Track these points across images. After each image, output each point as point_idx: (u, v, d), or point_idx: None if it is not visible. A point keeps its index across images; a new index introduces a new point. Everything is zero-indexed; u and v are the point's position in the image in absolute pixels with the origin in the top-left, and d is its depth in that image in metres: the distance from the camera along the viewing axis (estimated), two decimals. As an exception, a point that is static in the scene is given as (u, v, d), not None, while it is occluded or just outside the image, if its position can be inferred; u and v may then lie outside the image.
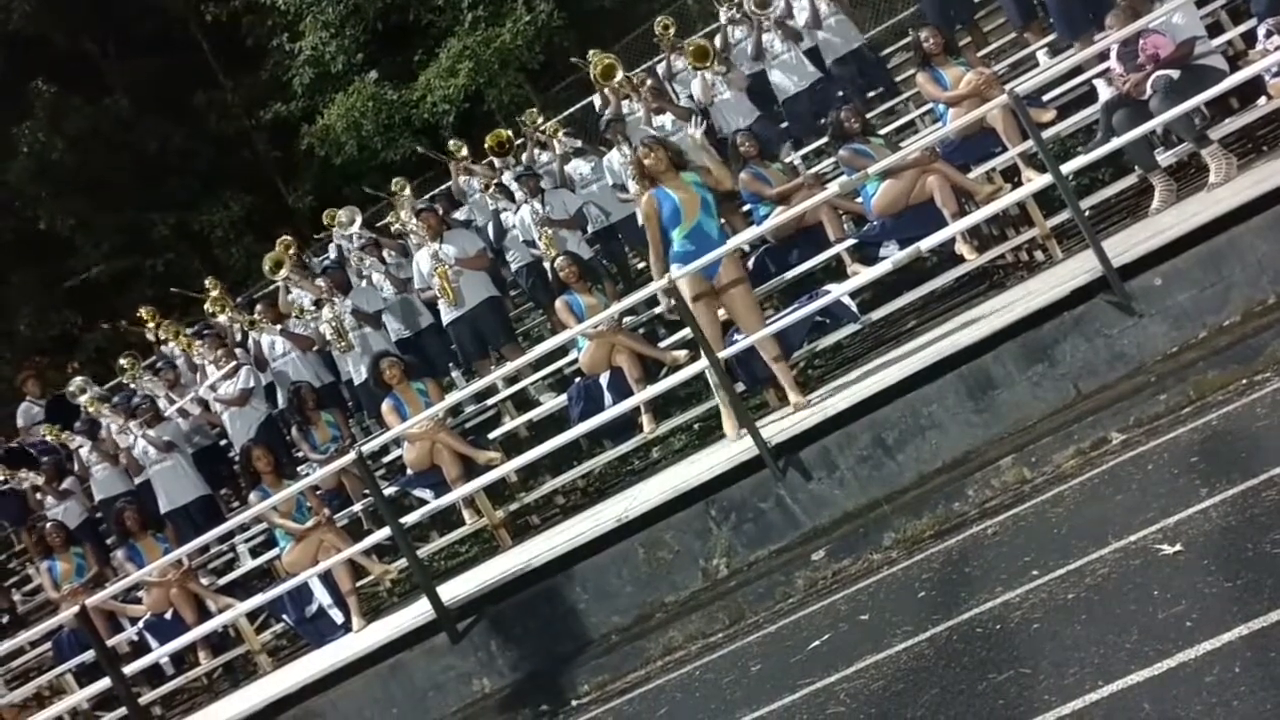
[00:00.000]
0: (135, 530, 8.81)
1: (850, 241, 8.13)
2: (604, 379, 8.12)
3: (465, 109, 18.23)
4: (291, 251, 11.45)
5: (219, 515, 9.70)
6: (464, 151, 11.90)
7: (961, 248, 7.58)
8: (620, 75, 10.33)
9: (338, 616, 7.93)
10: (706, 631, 6.03)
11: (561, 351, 8.84)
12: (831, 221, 8.27)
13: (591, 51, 11.03)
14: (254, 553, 9.38)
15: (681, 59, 11.02)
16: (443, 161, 12.28)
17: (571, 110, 14.73)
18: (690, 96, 10.79)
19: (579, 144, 10.97)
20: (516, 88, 18.23)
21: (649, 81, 10.74)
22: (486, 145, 11.14)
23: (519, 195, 10.24)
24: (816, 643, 5.15)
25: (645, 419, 7.92)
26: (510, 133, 11.45)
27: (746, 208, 9.31)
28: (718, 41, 10.94)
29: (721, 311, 7.07)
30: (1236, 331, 5.86)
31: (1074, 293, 6.18)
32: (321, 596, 7.96)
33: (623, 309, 7.48)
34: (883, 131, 9.93)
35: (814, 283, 8.26)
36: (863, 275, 7.42)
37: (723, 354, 6.72)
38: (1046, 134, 7.18)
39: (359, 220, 11.55)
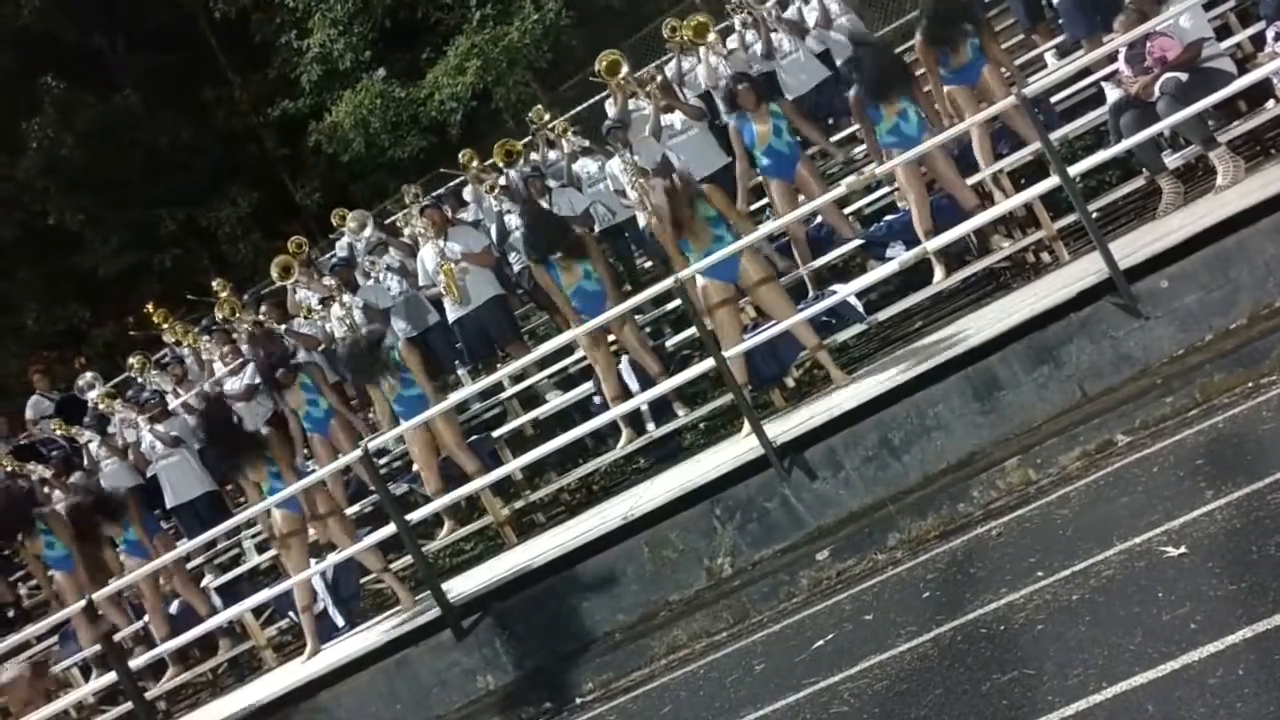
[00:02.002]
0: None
1: (857, 242, 8.14)
2: (624, 364, 8.12)
3: (473, 107, 18.26)
4: (302, 250, 11.50)
5: (225, 511, 9.75)
6: (475, 163, 11.92)
7: (936, 267, 7.60)
8: (625, 70, 10.32)
9: (338, 619, 7.94)
10: (711, 630, 6.04)
11: (567, 350, 8.85)
12: (840, 222, 8.29)
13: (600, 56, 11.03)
14: (259, 548, 9.41)
15: (690, 59, 11.01)
16: (459, 174, 12.32)
17: (579, 109, 14.73)
18: (701, 96, 10.79)
19: (587, 143, 10.96)
20: (524, 86, 18.26)
21: (658, 78, 10.73)
22: (495, 158, 11.14)
23: (528, 193, 10.23)
24: (820, 642, 5.15)
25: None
26: (518, 142, 11.45)
27: (753, 207, 9.30)
28: (731, 43, 10.93)
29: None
30: (1243, 334, 5.85)
31: (1080, 294, 6.18)
32: (324, 597, 7.97)
33: (630, 307, 7.48)
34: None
35: (821, 282, 8.28)
36: (869, 275, 7.42)
37: (729, 353, 6.72)
38: (1055, 135, 7.17)
39: (370, 225, 11.57)
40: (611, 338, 8.12)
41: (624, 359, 8.19)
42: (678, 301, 7.55)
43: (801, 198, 8.40)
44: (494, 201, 10.60)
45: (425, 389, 8.25)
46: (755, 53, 10.76)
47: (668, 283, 6.75)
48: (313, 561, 7.83)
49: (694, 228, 6.92)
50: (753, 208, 9.52)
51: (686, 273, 6.76)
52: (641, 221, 9.71)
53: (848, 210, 8.68)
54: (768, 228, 7.62)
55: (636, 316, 8.66)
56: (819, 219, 8.46)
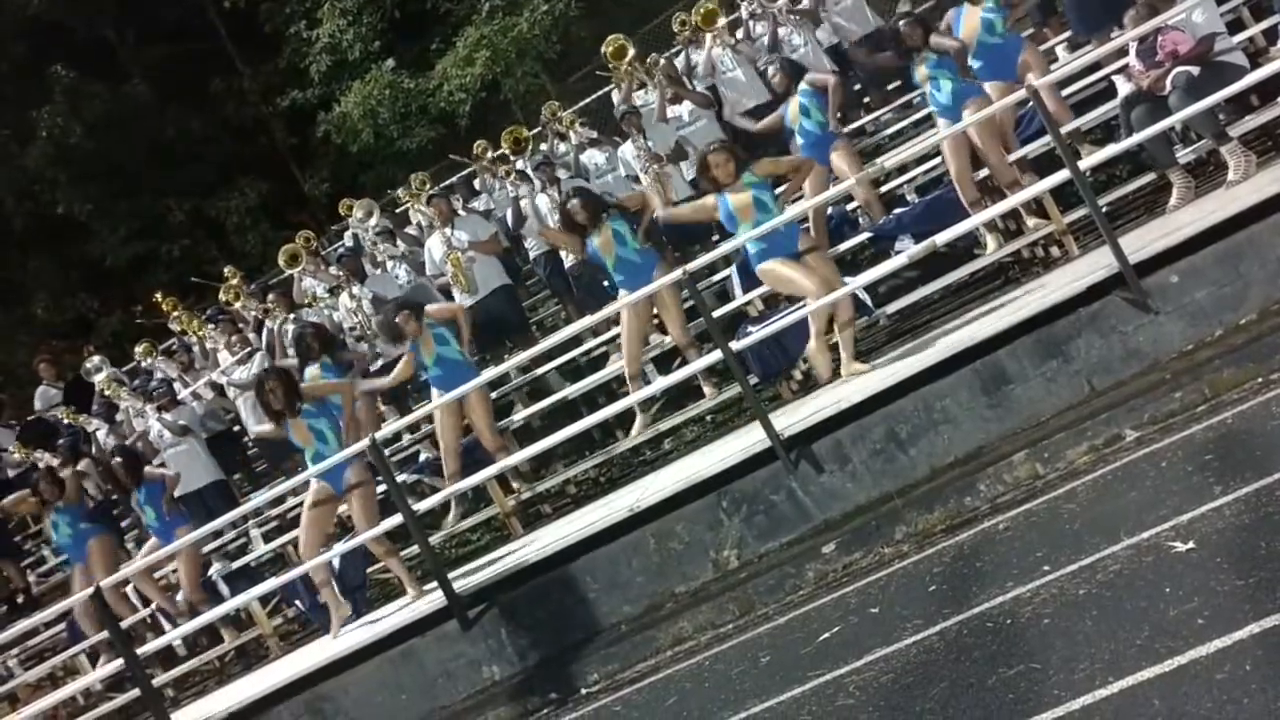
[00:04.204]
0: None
1: (866, 235, 8.13)
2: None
3: (482, 98, 18.24)
4: (310, 242, 11.51)
5: (232, 500, 9.78)
6: (490, 155, 11.89)
7: (990, 238, 7.59)
8: (631, 54, 10.29)
9: (346, 609, 7.94)
10: (716, 622, 6.05)
11: (575, 341, 8.85)
12: (873, 204, 8.28)
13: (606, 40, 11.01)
14: (266, 538, 9.44)
15: (699, 52, 10.98)
16: (469, 163, 12.30)
17: (587, 101, 14.71)
18: (711, 88, 10.76)
19: (595, 134, 10.96)
20: (533, 78, 18.24)
21: (661, 62, 10.71)
22: (503, 146, 11.13)
23: (536, 184, 10.25)
24: (826, 635, 5.15)
25: (706, 387, 8.04)
26: (526, 131, 11.43)
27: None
28: (739, 34, 10.90)
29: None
30: (1253, 330, 5.83)
31: (1090, 289, 6.16)
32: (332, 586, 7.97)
33: (639, 298, 7.48)
34: (901, 125, 9.92)
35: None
36: (878, 268, 7.41)
37: (737, 345, 6.71)
38: (1065, 129, 7.14)
39: (376, 214, 11.57)
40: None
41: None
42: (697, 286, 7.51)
43: (835, 180, 8.36)
44: (510, 187, 10.59)
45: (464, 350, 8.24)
46: (762, 44, 10.72)
47: (676, 275, 6.74)
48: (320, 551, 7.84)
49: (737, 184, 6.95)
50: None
51: (695, 264, 6.74)
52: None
53: (854, 205, 8.66)
54: (797, 208, 7.58)
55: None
56: (829, 209, 8.43)
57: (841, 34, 10.53)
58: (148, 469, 8.79)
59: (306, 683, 7.04)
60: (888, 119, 10.25)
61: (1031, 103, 7.12)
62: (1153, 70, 7.07)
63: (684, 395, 8.25)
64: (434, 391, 8.25)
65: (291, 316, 10.29)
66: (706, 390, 8.07)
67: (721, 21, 10.34)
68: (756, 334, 7.08)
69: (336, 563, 7.83)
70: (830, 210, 8.46)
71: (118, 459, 8.72)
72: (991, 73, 7.89)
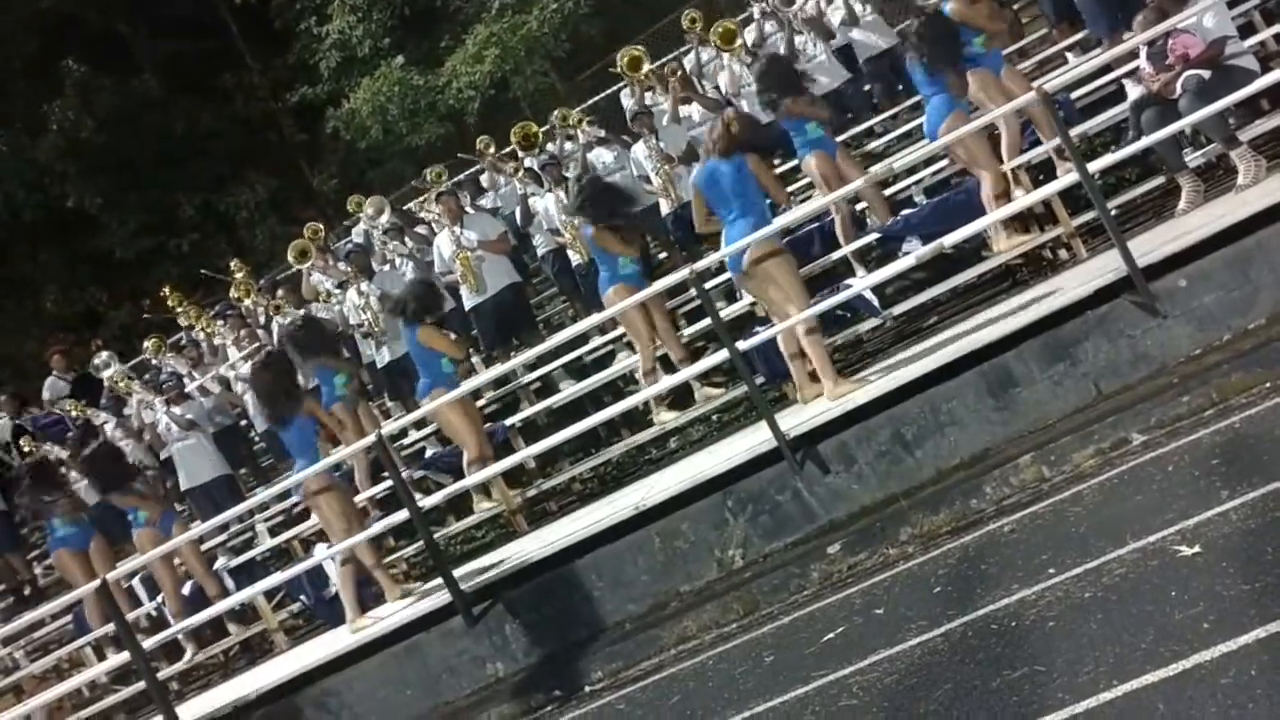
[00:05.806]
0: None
1: (860, 242, 8.11)
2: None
3: (490, 96, 18.27)
4: (318, 236, 11.54)
5: (238, 494, 9.81)
6: (493, 149, 11.93)
7: (999, 239, 7.54)
8: (647, 67, 10.32)
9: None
10: (720, 621, 6.05)
11: (582, 339, 8.86)
12: (844, 229, 8.25)
13: (621, 52, 11.04)
14: (273, 532, 9.46)
15: (708, 51, 10.99)
16: (476, 160, 12.34)
17: (596, 99, 14.73)
18: (717, 88, 10.77)
19: (602, 133, 10.98)
20: (542, 75, 18.28)
21: (679, 72, 10.73)
22: (513, 140, 11.15)
23: (545, 183, 10.28)
24: (830, 635, 5.15)
25: (709, 388, 8.11)
26: (537, 127, 11.44)
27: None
28: (750, 35, 10.90)
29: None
30: (1262, 334, 5.81)
31: (1098, 292, 6.15)
32: (336, 581, 7.98)
33: (643, 299, 7.48)
34: (909, 127, 9.91)
35: (836, 275, 8.27)
36: (885, 270, 7.40)
37: (744, 345, 6.71)
38: (1074, 131, 7.13)
39: (387, 211, 11.61)
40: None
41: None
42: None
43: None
44: (518, 184, 10.61)
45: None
46: (777, 49, 10.71)
47: (682, 274, 6.74)
48: (322, 547, 7.86)
49: None
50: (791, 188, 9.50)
51: (702, 264, 6.75)
52: (664, 209, 9.71)
53: (862, 205, 8.66)
54: (815, 204, 7.54)
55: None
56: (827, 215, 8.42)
57: (861, 49, 10.50)
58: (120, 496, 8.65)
59: (311, 677, 7.07)
60: (896, 121, 10.25)
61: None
62: (1163, 73, 7.06)
63: (688, 395, 8.25)
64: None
65: (302, 312, 10.32)
66: (711, 390, 8.10)
67: (739, 41, 10.35)
68: (763, 334, 7.07)
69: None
70: (821, 220, 8.43)
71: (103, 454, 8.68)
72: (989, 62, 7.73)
